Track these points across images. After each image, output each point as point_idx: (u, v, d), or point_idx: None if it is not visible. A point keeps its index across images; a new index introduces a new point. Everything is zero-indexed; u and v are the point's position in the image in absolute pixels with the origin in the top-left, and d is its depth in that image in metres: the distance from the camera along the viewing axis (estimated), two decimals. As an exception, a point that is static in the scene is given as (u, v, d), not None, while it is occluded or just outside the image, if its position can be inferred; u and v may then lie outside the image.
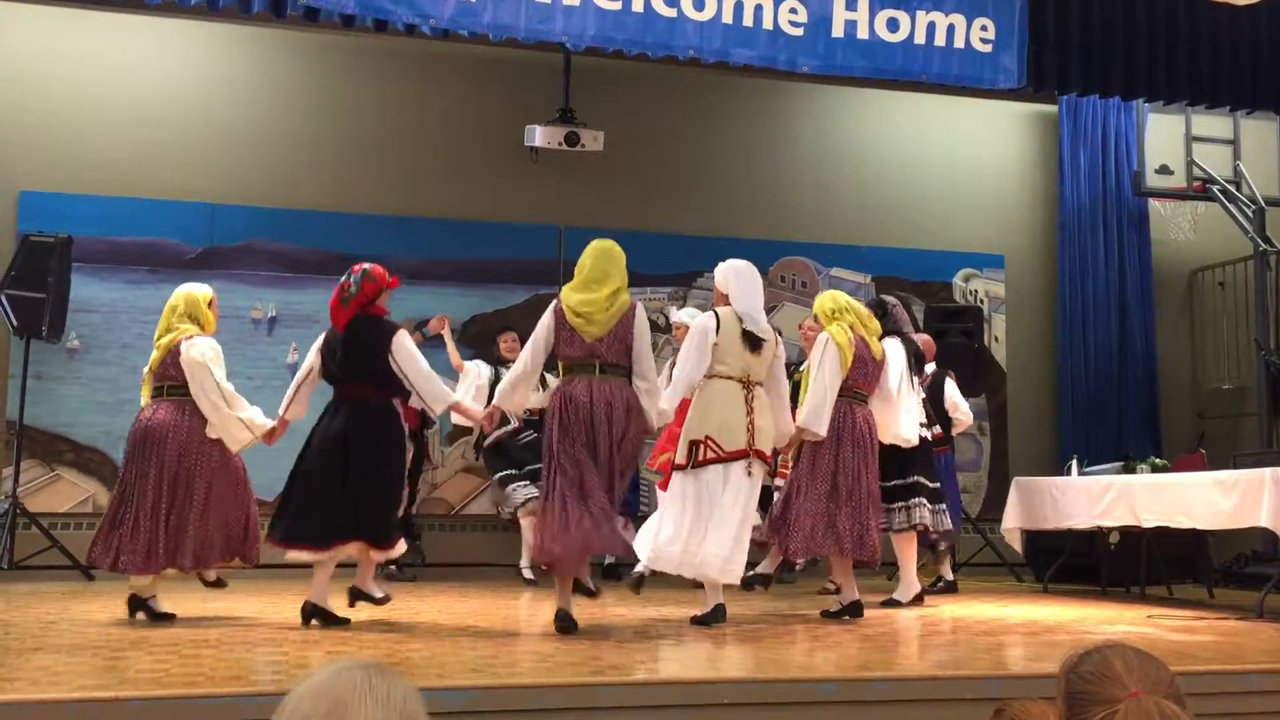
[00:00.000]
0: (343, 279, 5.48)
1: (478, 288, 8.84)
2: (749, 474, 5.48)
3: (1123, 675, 1.69)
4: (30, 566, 7.38)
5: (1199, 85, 7.88)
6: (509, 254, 8.90)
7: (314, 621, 5.20)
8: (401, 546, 5.51)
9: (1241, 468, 6.69)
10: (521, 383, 5.42)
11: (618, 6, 6.68)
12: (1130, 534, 7.34)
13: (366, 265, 5.52)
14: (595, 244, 5.48)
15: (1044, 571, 8.06)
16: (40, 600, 6.16)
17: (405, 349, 5.32)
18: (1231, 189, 9.48)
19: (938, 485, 7.03)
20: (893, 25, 7.12)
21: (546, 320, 5.31)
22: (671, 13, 6.76)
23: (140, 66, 8.49)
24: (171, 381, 5.48)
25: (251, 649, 4.56)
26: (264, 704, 3.36)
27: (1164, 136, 9.79)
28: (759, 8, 6.90)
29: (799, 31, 6.99)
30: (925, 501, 6.79)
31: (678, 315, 7.81)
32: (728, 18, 6.85)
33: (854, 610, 5.90)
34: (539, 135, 8.63)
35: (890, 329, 6.72)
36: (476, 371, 7.99)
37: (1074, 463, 8.01)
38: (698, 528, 5.45)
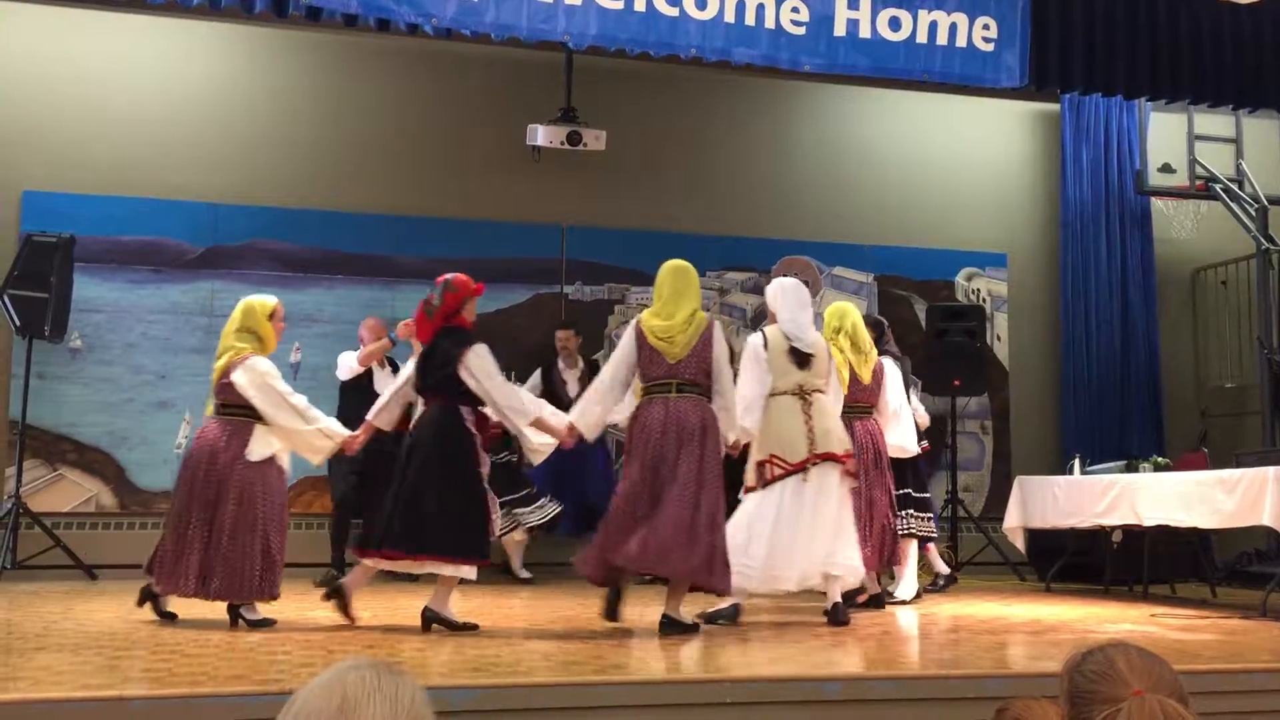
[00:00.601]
0: (429, 293, 5.55)
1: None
2: (805, 480, 5.64)
3: (1126, 674, 1.69)
4: (33, 566, 7.38)
5: (1201, 84, 7.87)
6: (511, 253, 8.90)
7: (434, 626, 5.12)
8: (467, 570, 5.21)
9: (1244, 466, 6.69)
10: (599, 400, 5.49)
11: (620, 6, 6.68)
12: (1133, 533, 7.33)
13: (449, 276, 5.56)
14: (671, 265, 5.64)
15: (1046, 570, 8.05)
16: (43, 600, 6.17)
17: (479, 362, 5.30)
18: (1234, 187, 9.47)
19: (926, 495, 7.45)
20: (895, 24, 7.11)
21: (628, 341, 5.47)
22: (674, 12, 6.75)
23: (143, 66, 8.49)
24: (224, 400, 5.38)
25: (254, 649, 4.56)
26: (267, 703, 3.37)
27: (1166, 135, 9.78)
28: (761, 7, 6.90)
29: (801, 30, 6.98)
30: (914, 511, 7.20)
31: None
32: (730, 17, 6.84)
33: (874, 603, 6.26)
34: (541, 134, 8.63)
35: (884, 349, 6.90)
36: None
37: (1076, 461, 8.01)
38: (778, 545, 5.57)
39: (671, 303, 5.47)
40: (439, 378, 5.32)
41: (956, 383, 9.02)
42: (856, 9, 7.03)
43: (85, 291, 8.01)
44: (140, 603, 5.36)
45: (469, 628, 5.12)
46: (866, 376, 6.51)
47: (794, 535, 5.58)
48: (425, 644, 4.76)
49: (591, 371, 7.60)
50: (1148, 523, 6.87)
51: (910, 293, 9.69)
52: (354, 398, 7.28)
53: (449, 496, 5.14)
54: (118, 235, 8.22)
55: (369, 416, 5.66)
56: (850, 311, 6.63)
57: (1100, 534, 7.62)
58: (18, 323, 7.55)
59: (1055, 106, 9.99)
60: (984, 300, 9.82)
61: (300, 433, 5.35)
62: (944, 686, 3.96)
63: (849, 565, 5.67)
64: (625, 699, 3.69)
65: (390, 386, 5.81)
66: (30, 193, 8.11)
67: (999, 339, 9.85)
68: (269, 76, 8.73)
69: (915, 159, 9.83)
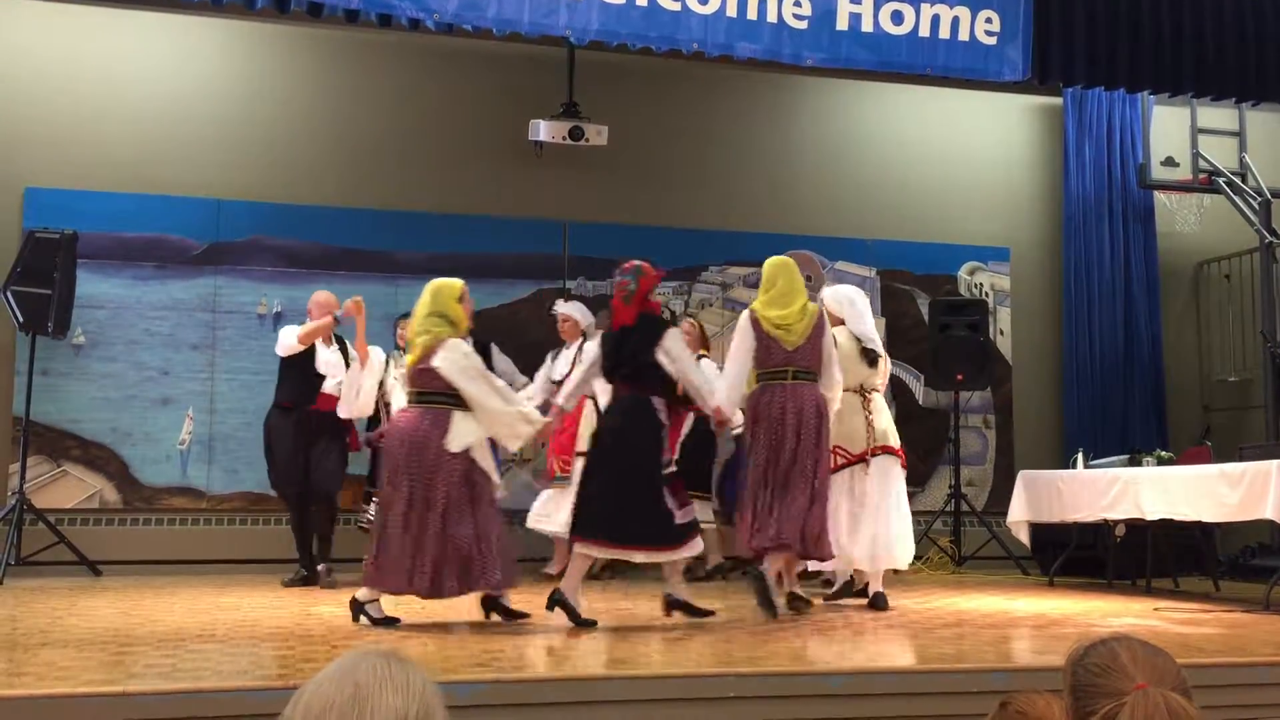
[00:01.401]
0: (617, 279, 5.61)
1: (482, 283, 8.79)
2: (867, 472, 6.15)
3: (1129, 667, 1.69)
4: (37, 562, 7.39)
5: (1205, 77, 7.85)
6: (513, 249, 8.90)
7: (557, 610, 5.19)
8: (687, 550, 5.34)
9: (1248, 460, 6.69)
10: (737, 389, 5.78)
11: (622, 1, 6.67)
12: (1136, 527, 7.33)
13: (636, 263, 5.64)
14: (780, 260, 6.07)
15: (1050, 564, 8.06)
16: (47, 596, 6.18)
17: (676, 345, 5.46)
18: (1237, 181, 9.45)
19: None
20: (897, 18, 7.10)
21: (746, 330, 5.80)
22: (676, 6, 6.74)
23: (145, 62, 8.49)
24: (421, 387, 5.21)
25: (257, 644, 4.57)
26: (270, 698, 3.38)
27: (1169, 129, 9.77)
28: (763, 1, 6.88)
29: (803, 25, 6.97)
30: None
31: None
32: (732, 11, 6.83)
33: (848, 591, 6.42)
34: (543, 130, 8.62)
35: None
36: (380, 359, 7.58)
37: (1080, 456, 8.01)
38: (846, 526, 6.07)
39: (787, 294, 5.87)
40: (637, 364, 5.39)
41: (959, 377, 9.01)
42: (859, 3, 7.02)
43: (88, 288, 8.01)
44: (355, 617, 5.15)
45: (588, 623, 5.18)
46: None
47: (860, 519, 6.08)
48: (429, 638, 4.77)
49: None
50: (1151, 517, 6.86)
51: (913, 287, 9.68)
52: (293, 375, 7.14)
53: (646, 486, 5.26)
54: (120, 231, 8.23)
55: (560, 401, 5.69)
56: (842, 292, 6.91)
57: (1103, 528, 7.62)
58: (21, 319, 7.55)
59: (1058, 100, 9.97)
60: (987, 294, 9.81)
61: (503, 416, 5.19)
62: (947, 680, 3.97)
63: (903, 555, 6.22)
64: (629, 693, 3.70)
65: (578, 372, 5.77)
66: (33, 189, 8.11)
67: (1002, 333, 9.84)
68: (271, 73, 8.73)
69: (918, 153, 9.81)
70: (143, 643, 4.45)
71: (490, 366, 7.51)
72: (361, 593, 5.20)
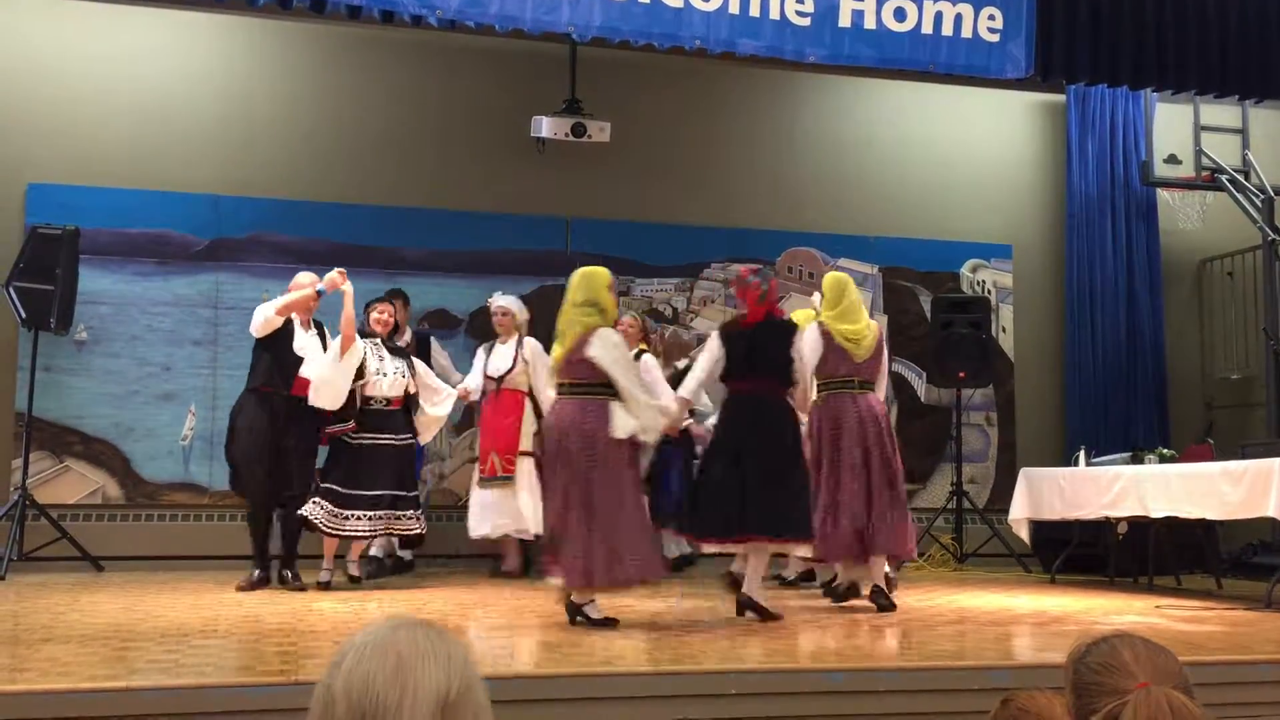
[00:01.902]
0: (747, 280, 5.74)
1: (484, 279, 8.82)
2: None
3: (1131, 666, 1.69)
4: (40, 558, 7.40)
5: (1208, 74, 7.84)
6: (516, 245, 8.90)
7: (747, 614, 5.39)
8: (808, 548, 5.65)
9: (1250, 458, 6.68)
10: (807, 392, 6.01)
11: (624, -3, 6.67)
12: (1138, 524, 7.33)
13: (756, 267, 6.01)
14: (841, 276, 6.37)
15: (1051, 562, 8.06)
16: (50, 591, 6.19)
17: (809, 344, 5.88)
18: (1240, 178, 9.44)
19: None
20: (900, 15, 7.09)
21: (817, 341, 6.01)
22: (678, 3, 6.74)
23: (147, 58, 8.49)
24: (574, 378, 5.13)
25: (259, 640, 4.57)
26: (274, 694, 3.38)
27: (1172, 126, 9.75)
28: (765, -3, 6.88)
29: (806, 21, 6.96)
30: None
31: (501, 300, 7.75)
32: (734, 8, 6.82)
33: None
34: (545, 126, 8.62)
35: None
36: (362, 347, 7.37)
37: (1082, 453, 8.00)
38: None
39: (854, 309, 6.17)
40: (776, 362, 5.58)
41: (961, 375, 9.01)
42: (861, 0, 7.02)
43: (90, 284, 8.01)
44: (571, 620, 5.08)
45: (776, 616, 5.42)
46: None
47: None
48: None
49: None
50: (1153, 514, 6.86)
51: (915, 284, 9.68)
52: (267, 359, 6.66)
53: (796, 478, 5.52)
54: (123, 228, 8.23)
55: (685, 394, 5.69)
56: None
57: (1105, 525, 7.62)
58: (23, 315, 7.56)
59: (1061, 98, 9.96)
60: (989, 292, 9.80)
61: (647, 409, 5.16)
62: (949, 677, 3.97)
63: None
64: (630, 690, 3.70)
65: (701, 368, 5.66)
66: (35, 185, 8.12)
67: (1004, 331, 9.84)
68: (273, 69, 8.73)
69: (920, 150, 9.80)
70: (145, 638, 4.45)
71: (429, 361, 7.58)
72: (575, 594, 5.09)
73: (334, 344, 6.76)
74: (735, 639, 4.79)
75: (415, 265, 8.56)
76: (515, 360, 7.51)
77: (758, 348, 5.56)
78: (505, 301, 7.74)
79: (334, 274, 6.77)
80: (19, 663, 3.87)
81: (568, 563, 4.99)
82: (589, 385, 5.11)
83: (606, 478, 5.00)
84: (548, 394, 7.47)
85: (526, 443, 7.35)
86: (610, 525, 4.97)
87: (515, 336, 7.63)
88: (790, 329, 5.75)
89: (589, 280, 5.32)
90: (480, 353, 7.87)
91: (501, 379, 7.52)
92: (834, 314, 6.13)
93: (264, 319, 6.67)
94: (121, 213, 8.21)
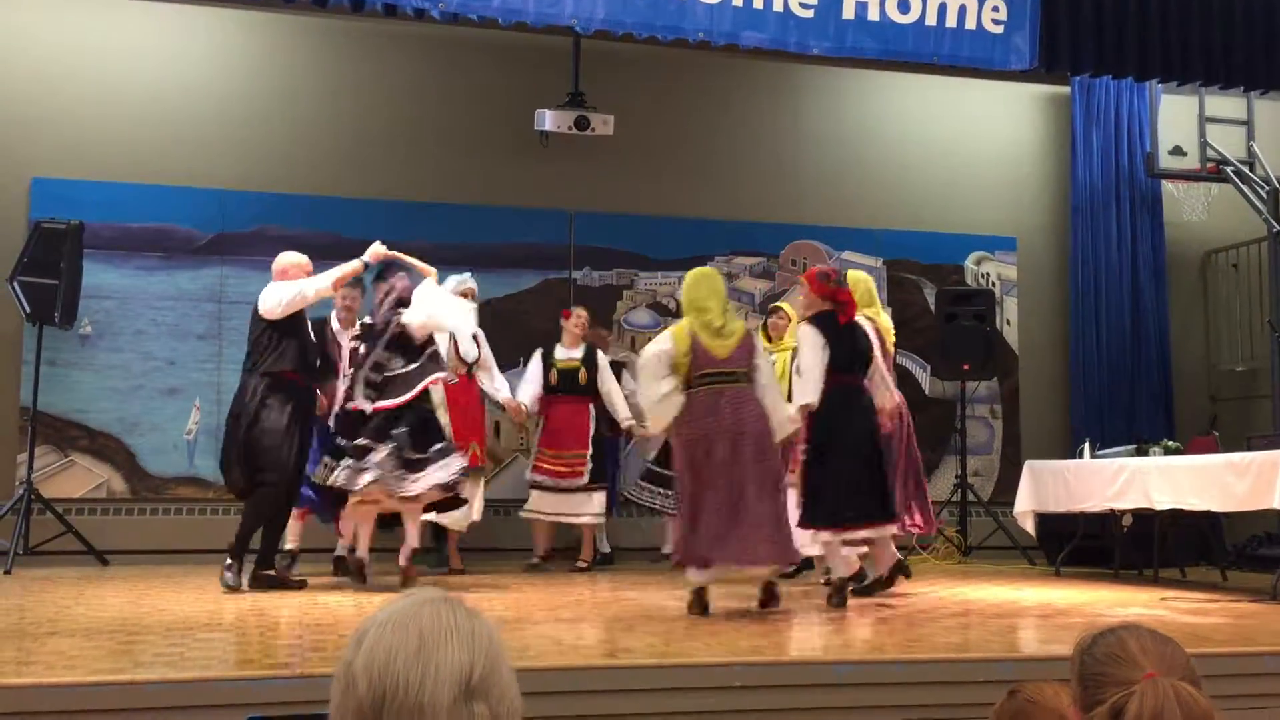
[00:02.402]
0: (840, 281, 5.99)
1: (488, 272, 8.81)
2: None
3: (1138, 656, 1.68)
4: (45, 552, 7.41)
5: (1213, 65, 7.82)
6: (519, 238, 8.89)
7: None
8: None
9: (1255, 450, 6.67)
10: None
11: (627, -11, 6.66)
12: (1143, 517, 7.32)
13: (834, 269, 6.28)
14: (864, 275, 6.76)
15: (1056, 555, 8.05)
16: (55, 585, 6.20)
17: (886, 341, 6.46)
18: (1245, 170, 9.41)
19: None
20: (904, 7, 7.08)
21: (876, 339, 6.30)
22: (681, -5, 6.73)
23: (150, 52, 8.49)
24: (736, 368, 5.28)
25: (265, 632, 4.58)
26: (279, 686, 3.39)
27: (1177, 118, 9.71)
28: (769, -11, 6.87)
29: (809, 14, 6.95)
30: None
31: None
32: (737, 0, 6.82)
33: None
34: (549, 119, 8.60)
35: None
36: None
37: (1086, 445, 7.99)
38: None
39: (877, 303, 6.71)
40: (867, 356, 6.01)
41: (966, 367, 9.01)
42: (865, -9, 7.01)
43: (95, 278, 8.01)
44: (703, 608, 5.25)
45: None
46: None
47: None
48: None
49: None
50: (1158, 507, 6.85)
51: (919, 277, 9.67)
52: (295, 343, 6.24)
53: (888, 468, 6.06)
54: (127, 222, 8.23)
55: (809, 399, 5.74)
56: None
57: (1110, 518, 7.61)
58: (28, 309, 7.56)
59: (1065, 89, 9.93)
60: (993, 284, 9.79)
61: (783, 406, 5.58)
62: (954, 670, 3.97)
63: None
64: (636, 683, 3.70)
65: (815, 366, 5.75)
66: (39, 179, 8.12)
67: (1008, 323, 9.82)
68: (276, 62, 8.72)
69: (924, 143, 9.78)
70: (150, 632, 4.46)
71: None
72: (771, 573, 5.39)
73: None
74: (738, 631, 4.79)
75: (419, 258, 8.53)
76: (477, 344, 7.39)
77: (858, 345, 5.93)
78: (467, 277, 7.52)
79: (378, 246, 6.59)
80: (25, 656, 3.88)
81: (756, 546, 5.16)
82: (744, 375, 5.32)
83: (765, 463, 5.26)
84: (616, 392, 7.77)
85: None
86: (777, 509, 5.26)
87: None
88: (861, 327, 6.12)
89: (717, 282, 5.62)
90: (536, 362, 7.79)
91: (472, 365, 7.40)
92: (873, 310, 6.59)
93: (299, 295, 6.20)
94: (125, 207, 8.21)
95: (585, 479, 7.55)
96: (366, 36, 8.77)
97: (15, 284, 7.53)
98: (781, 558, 5.35)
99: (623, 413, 7.75)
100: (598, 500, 7.63)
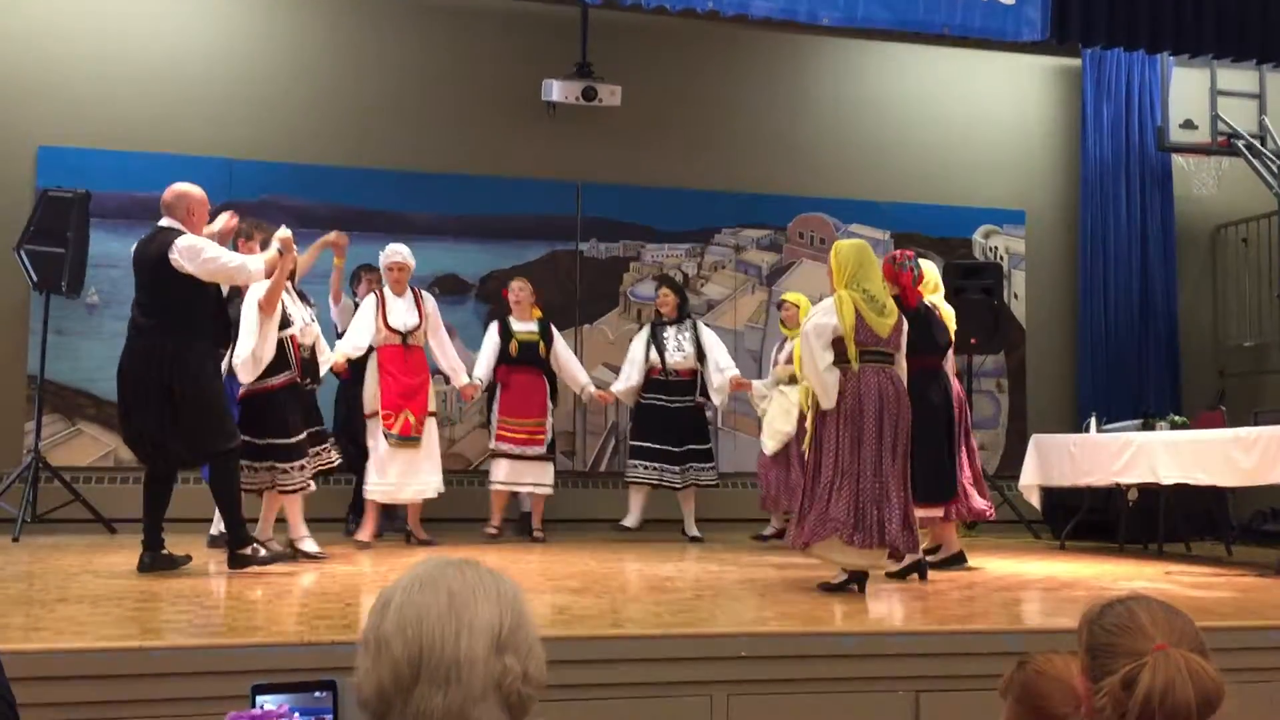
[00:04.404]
0: (905, 264, 6.02)
1: (495, 243, 8.82)
2: None
3: (1148, 627, 1.68)
4: (53, 520, 7.45)
5: (1225, 38, 7.75)
6: (526, 209, 8.88)
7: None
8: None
9: (1262, 425, 6.66)
10: None
11: (636, -42, 6.61)
12: (1149, 491, 7.32)
13: (910, 251, 6.26)
14: (930, 264, 6.59)
15: (1061, 528, 8.06)
16: (63, 553, 6.23)
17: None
18: (1257, 144, 9.35)
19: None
20: (915, -24, 7.02)
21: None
22: (690, -36, 6.68)
23: (159, 21, 8.45)
24: (894, 349, 5.27)
25: (271, 600, 4.60)
26: (286, 653, 3.40)
27: (1189, 90, 9.65)
28: (779, -41, 6.81)
29: (819, -17, 6.90)
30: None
31: (404, 250, 7.29)
32: (747, -30, 6.77)
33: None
34: (556, 90, 8.57)
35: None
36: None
37: (1093, 420, 7.99)
38: None
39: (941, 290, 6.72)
40: (942, 341, 6.21)
41: (973, 341, 8.96)
42: (876, -39, 6.95)
43: (101, 247, 8.01)
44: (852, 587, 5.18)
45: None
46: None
47: None
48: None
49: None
50: (1165, 481, 6.85)
51: (927, 250, 9.61)
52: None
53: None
54: (133, 191, 8.21)
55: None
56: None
57: (1115, 492, 7.61)
58: (35, 278, 7.57)
59: (1076, 61, 9.87)
60: (1001, 258, 9.76)
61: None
62: (960, 641, 3.97)
63: None
64: (641, 653, 3.71)
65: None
66: (46, 148, 8.10)
67: (1016, 297, 9.80)
68: (284, 31, 8.68)
69: (934, 115, 9.73)
70: (159, 599, 4.48)
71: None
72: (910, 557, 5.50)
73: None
74: (744, 602, 4.80)
75: (425, 229, 8.54)
76: (420, 314, 7.15)
77: (926, 328, 5.97)
78: (407, 252, 7.21)
79: (284, 231, 5.93)
80: (34, 622, 3.90)
81: (910, 532, 5.21)
82: (895, 355, 5.29)
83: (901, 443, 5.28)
84: (576, 366, 7.91)
85: (434, 403, 7.21)
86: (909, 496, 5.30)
87: (409, 290, 7.23)
88: (934, 311, 6.23)
89: (866, 251, 5.39)
90: (493, 335, 7.70)
91: (409, 334, 7.10)
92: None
93: (239, 271, 5.57)
94: (133, 176, 8.19)
95: (545, 448, 7.59)
96: (375, 6, 8.73)
97: (22, 253, 7.53)
98: (916, 546, 5.40)
99: (581, 379, 7.91)
100: (551, 471, 7.64)
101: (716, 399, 7.98)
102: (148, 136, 8.27)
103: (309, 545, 6.13)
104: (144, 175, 8.23)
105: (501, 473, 7.59)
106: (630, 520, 7.94)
